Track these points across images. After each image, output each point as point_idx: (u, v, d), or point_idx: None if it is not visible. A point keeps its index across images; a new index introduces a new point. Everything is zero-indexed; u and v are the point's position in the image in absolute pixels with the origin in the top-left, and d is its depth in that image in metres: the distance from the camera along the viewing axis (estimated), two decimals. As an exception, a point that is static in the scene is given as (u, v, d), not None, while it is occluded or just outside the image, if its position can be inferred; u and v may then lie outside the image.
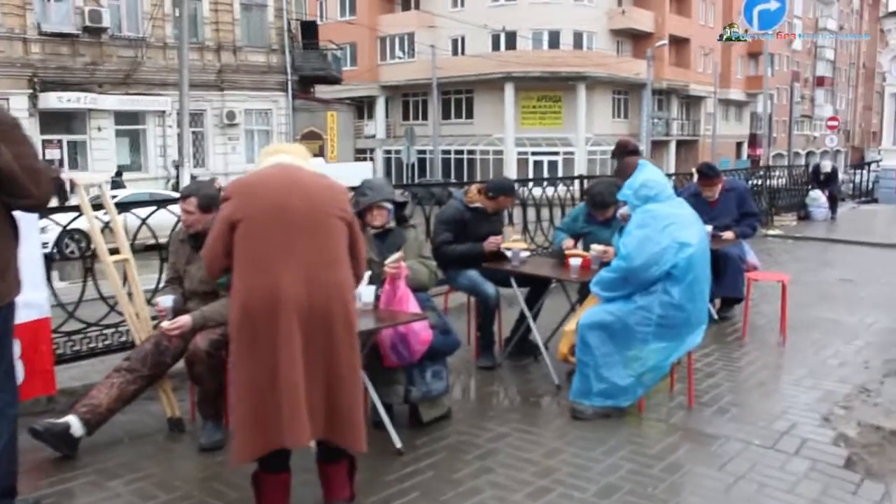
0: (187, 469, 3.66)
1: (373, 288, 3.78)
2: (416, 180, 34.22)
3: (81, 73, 22.97)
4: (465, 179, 35.94)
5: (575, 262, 4.87)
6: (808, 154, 57.85)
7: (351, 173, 20.69)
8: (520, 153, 37.99)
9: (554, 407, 4.49)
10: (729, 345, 5.83)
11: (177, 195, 4.77)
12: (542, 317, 5.46)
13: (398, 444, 3.74)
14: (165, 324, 3.81)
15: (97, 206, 4.28)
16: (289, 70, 27.64)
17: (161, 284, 4.57)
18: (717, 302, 6.64)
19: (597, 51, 38.75)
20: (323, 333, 2.84)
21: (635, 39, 41.55)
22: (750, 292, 6.32)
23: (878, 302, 7.42)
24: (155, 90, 24.42)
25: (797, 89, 47.66)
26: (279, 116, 27.94)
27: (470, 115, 40.16)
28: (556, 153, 37.81)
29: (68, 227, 4.58)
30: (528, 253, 5.31)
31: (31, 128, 22.15)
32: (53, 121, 22.85)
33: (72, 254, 7.56)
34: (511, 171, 36.26)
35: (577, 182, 8.72)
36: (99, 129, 23.73)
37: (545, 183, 8.42)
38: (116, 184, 21.16)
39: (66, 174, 3.85)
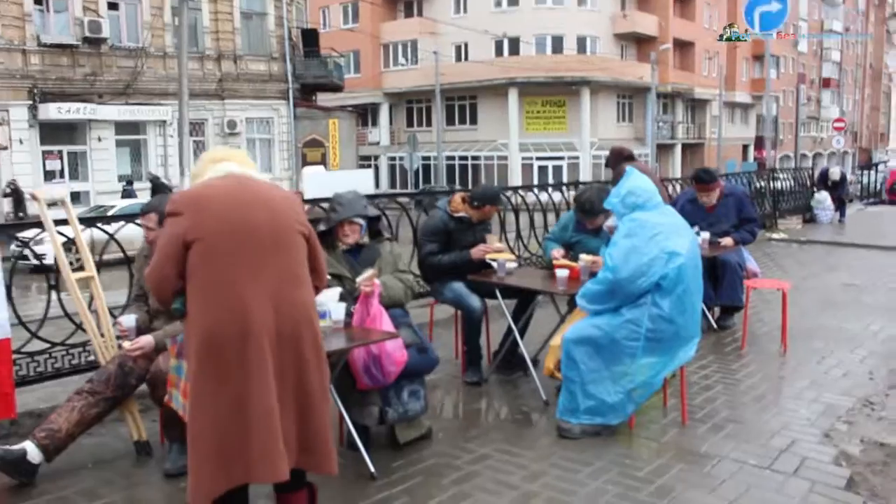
0: (150, 496, 3.49)
1: (343, 305, 3.59)
2: (421, 187, 34.11)
3: (81, 83, 22.95)
4: (470, 186, 35.72)
5: (562, 273, 4.62)
6: (816, 156, 57.58)
7: (352, 180, 20.66)
8: (524, 159, 37.84)
9: (541, 425, 4.28)
10: (727, 356, 5.62)
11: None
12: (531, 329, 5.24)
13: (371, 468, 3.55)
14: (126, 344, 3.65)
15: (61, 222, 4.12)
16: (290, 78, 27.63)
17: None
18: (716, 310, 6.46)
19: (600, 55, 38.59)
20: (292, 356, 2.66)
21: (639, 43, 41.43)
22: (749, 300, 6.13)
23: (884, 308, 7.19)
24: (155, 100, 24.40)
25: (803, 91, 47.43)
26: (281, 125, 27.91)
27: (474, 121, 40.06)
28: (561, 158, 37.63)
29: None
30: (514, 264, 5.13)
31: (31, 139, 22.17)
32: (53, 132, 22.84)
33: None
34: (516, 177, 36.21)
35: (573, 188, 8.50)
36: (99, 139, 23.72)
37: (542, 188, 8.21)
38: (128, 193, 21.13)
39: (30, 190, 3.70)
